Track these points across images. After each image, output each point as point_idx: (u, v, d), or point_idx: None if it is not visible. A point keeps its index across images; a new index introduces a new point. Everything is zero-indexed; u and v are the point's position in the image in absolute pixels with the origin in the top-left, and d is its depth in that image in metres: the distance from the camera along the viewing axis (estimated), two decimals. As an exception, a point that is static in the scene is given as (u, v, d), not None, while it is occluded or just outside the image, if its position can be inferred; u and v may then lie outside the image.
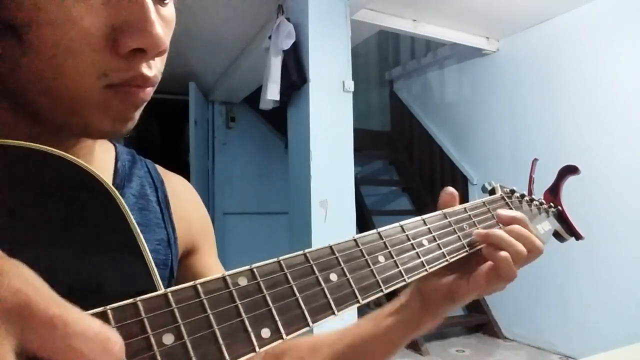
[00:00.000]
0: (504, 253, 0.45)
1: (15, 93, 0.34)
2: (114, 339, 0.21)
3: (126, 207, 0.31)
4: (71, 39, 0.31)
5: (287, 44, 2.42)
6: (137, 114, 0.38)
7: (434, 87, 4.38)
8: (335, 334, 0.54)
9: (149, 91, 0.37)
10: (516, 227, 0.48)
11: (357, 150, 2.58)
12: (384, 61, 5.20)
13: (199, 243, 0.54)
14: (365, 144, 4.20)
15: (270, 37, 2.56)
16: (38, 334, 0.19)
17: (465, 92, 3.99)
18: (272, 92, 2.47)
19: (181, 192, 0.53)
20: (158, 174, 0.51)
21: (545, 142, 3.19)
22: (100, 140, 0.46)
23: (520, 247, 0.46)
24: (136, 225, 0.31)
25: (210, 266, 0.54)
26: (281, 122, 3.02)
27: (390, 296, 0.46)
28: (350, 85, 2.50)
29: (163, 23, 0.36)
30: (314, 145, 2.37)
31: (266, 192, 4.85)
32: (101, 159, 0.45)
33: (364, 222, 3.74)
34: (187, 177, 0.55)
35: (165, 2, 0.37)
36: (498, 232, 0.47)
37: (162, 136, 5.00)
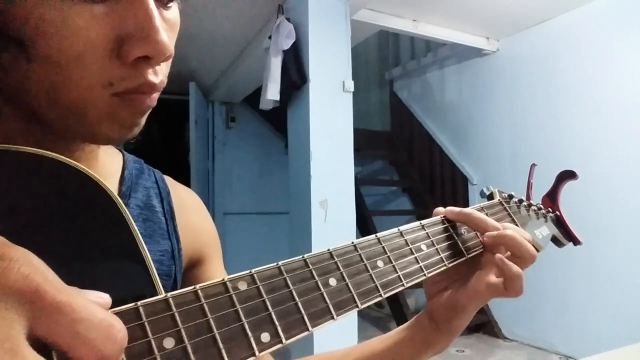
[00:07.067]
0: (516, 269, 0.45)
1: (23, 102, 0.34)
2: (118, 327, 0.22)
3: (127, 212, 0.31)
4: (76, 49, 0.31)
5: (287, 44, 2.42)
6: (143, 120, 0.38)
7: (434, 87, 4.38)
8: (342, 351, 0.53)
9: (155, 97, 0.37)
10: (506, 225, 0.48)
11: (357, 150, 2.58)
12: (384, 61, 5.20)
13: (205, 255, 0.53)
14: (365, 144, 4.20)
15: (270, 37, 2.56)
16: (46, 319, 0.20)
17: (465, 92, 3.99)
18: (272, 92, 2.47)
19: (187, 204, 0.53)
20: (165, 185, 0.51)
21: (545, 141, 3.19)
22: (107, 147, 0.46)
23: (529, 248, 0.46)
24: (137, 230, 0.31)
25: (218, 278, 0.53)
26: (281, 122, 3.03)
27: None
28: (350, 85, 2.51)
29: (167, 27, 0.36)
30: (314, 145, 2.37)
31: (266, 192, 4.85)
32: (106, 165, 0.45)
33: (364, 223, 3.74)
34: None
35: (169, 5, 0.36)
36: (510, 232, 0.47)
37: (162, 136, 5.00)
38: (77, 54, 0.31)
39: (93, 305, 0.21)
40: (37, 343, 0.20)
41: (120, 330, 0.21)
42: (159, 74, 0.36)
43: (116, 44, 0.32)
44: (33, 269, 0.20)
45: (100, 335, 0.20)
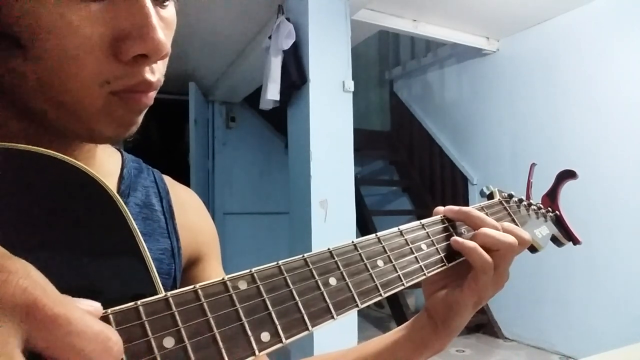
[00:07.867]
0: (471, 243, 0.45)
1: (20, 100, 0.34)
2: (114, 339, 0.22)
3: (127, 210, 0.31)
4: (73, 48, 0.31)
5: (287, 44, 2.42)
6: (140, 118, 0.38)
7: (434, 87, 4.38)
8: (340, 352, 0.53)
9: (152, 95, 0.37)
10: (506, 224, 0.48)
11: (357, 150, 2.58)
12: (384, 61, 5.20)
13: (204, 254, 0.53)
14: (365, 144, 4.20)
15: (270, 37, 2.56)
16: (43, 332, 0.20)
17: (465, 92, 3.99)
18: (272, 92, 2.47)
19: (186, 203, 0.53)
20: (164, 184, 0.51)
21: (545, 141, 3.20)
22: (105, 146, 0.46)
23: (509, 238, 0.46)
24: (137, 229, 0.31)
25: (216, 277, 0.54)
26: (281, 122, 3.03)
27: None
28: (350, 85, 2.51)
29: (164, 25, 0.36)
30: (314, 145, 2.37)
31: (266, 192, 4.85)
32: (104, 164, 0.45)
33: (364, 223, 3.74)
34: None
35: (165, 4, 0.37)
36: (485, 230, 0.46)
37: (162, 136, 5.00)
38: (73, 53, 0.31)
39: (89, 318, 0.21)
40: (33, 355, 0.20)
41: (116, 342, 0.22)
42: (156, 73, 0.36)
43: (113, 42, 0.32)
44: (31, 281, 0.20)
45: (96, 347, 0.21)
